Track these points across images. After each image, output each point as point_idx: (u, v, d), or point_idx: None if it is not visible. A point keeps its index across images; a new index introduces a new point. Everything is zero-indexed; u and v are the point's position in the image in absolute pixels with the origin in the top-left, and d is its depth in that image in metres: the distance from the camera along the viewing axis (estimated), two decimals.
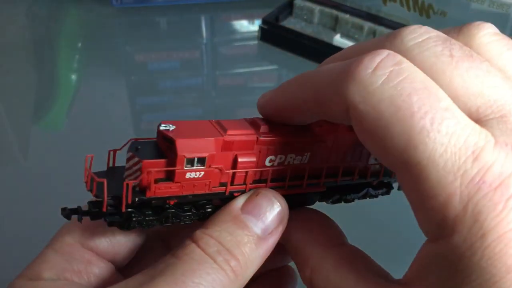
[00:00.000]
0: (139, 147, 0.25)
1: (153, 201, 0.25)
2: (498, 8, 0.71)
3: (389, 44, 0.23)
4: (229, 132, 0.26)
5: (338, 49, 0.72)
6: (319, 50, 0.72)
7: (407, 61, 0.22)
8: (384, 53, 0.22)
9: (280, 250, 0.29)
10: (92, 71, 0.78)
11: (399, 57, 0.22)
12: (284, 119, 0.27)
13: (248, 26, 0.84)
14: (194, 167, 0.25)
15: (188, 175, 0.25)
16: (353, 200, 0.32)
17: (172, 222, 0.26)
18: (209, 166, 0.25)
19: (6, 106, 0.70)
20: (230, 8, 0.86)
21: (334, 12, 0.77)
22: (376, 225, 0.54)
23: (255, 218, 0.26)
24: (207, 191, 0.26)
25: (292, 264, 0.32)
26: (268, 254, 0.26)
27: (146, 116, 0.71)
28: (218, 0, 0.85)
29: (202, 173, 0.25)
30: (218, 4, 0.86)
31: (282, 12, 0.79)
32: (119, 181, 0.25)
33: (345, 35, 0.76)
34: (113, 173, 0.26)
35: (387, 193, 0.33)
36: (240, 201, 0.27)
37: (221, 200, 0.27)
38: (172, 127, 0.25)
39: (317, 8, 0.78)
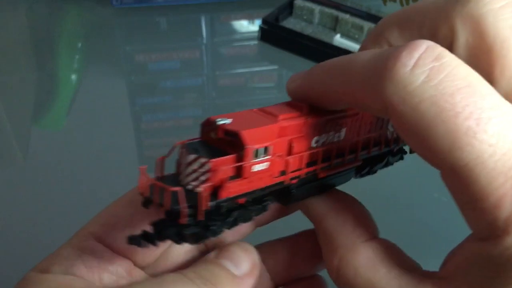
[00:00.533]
0: (197, 148, 0.23)
1: (224, 203, 0.23)
2: None
3: (460, 6, 0.22)
4: (281, 117, 0.25)
5: (338, 49, 0.72)
6: (319, 50, 0.72)
7: (449, 54, 0.20)
8: (423, 46, 0.20)
9: (310, 257, 0.29)
10: (92, 71, 0.78)
11: (438, 49, 0.20)
12: (316, 104, 0.26)
13: (248, 26, 0.84)
14: (260, 159, 0.23)
15: (254, 168, 0.23)
16: (376, 171, 0.32)
17: (239, 223, 0.25)
18: (273, 155, 0.24)
19: (6, 106, 0.70)
20: (230, 8, 0.86)
21: (334, 12, 0.77)
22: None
23: (230, 261, 0.27)
24: (271, 183, 0.25)
25: (321, 273, 0.32)
26: None
27: (146, 116, 0.71)
28: (218, 0, 0.85)
29: (267, 163, 0.24)
30: (218, 4, 0.86)
31: (282, 12, 0.78)
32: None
33: (345, 35, 0.75)
34: (165, 183, 0.23)
35: (401, 158, 0.33)
36: (213, 252, 0.28)
37: (279, 191, 0.26)
38: (228, 120, 0.24)
39: (317, 8, 0.78)
